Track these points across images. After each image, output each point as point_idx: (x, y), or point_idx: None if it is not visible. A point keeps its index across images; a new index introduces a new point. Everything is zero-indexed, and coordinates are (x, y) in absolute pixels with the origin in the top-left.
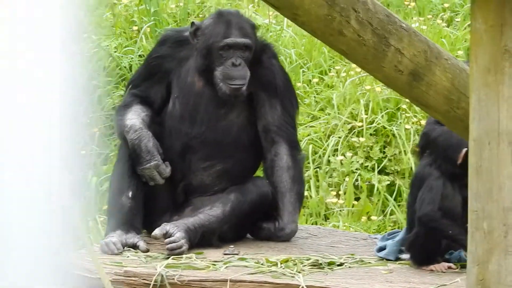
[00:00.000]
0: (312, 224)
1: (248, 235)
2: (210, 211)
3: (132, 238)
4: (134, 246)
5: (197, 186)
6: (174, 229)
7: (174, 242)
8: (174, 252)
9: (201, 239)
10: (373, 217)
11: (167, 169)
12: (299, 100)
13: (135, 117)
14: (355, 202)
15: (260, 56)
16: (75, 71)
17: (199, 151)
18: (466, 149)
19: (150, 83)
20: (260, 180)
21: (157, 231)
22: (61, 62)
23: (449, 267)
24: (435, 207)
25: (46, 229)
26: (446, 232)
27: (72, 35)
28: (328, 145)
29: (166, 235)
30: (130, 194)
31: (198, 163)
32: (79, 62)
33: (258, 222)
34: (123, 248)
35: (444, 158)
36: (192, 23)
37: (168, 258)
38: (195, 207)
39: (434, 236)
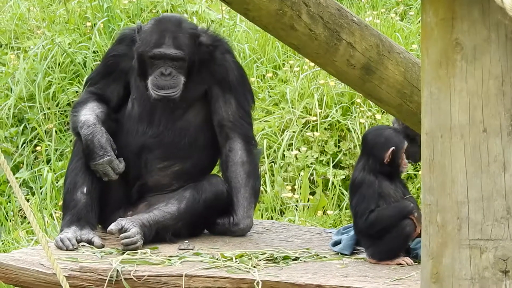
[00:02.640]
0: (267, 218)
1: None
2: (165, 208)
3: (87, 234)
4: (89, 242)
5: (152, 185)
6: (130, 225)
7: (129, 237)
8: (129, 247)
9: (155, 235)
10: (328, 212)
11: (120, 165)
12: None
13: (89, 113)
14: (311, 197)
15: (213, 52)
16: None
17: (156, 151)
18: (393, 148)
19: (107, 81)
20: (215, 178)
21: (112, 226)
22: None
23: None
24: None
25: None
26: None
27: None
28: (282, 139)
29: (121, 230)
30: (85, 189)
31: (154, 163)
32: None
33: (213, 217)
34: (78, 244)
35: (373, 157)
36: (138, 24)
37: (123, 253)
38: (149, 203)
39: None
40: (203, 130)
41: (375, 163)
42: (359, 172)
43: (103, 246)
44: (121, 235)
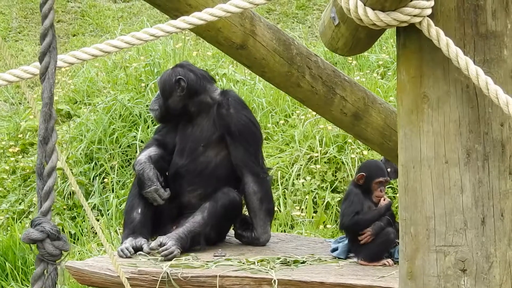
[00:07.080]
0: (281, 231)
1: (233, 240)
2: (193, 219)
3: (140, 241)
4: (141, 248)
5: (186, 204)
6: (166, 240)
7: (166, 249)
8: (168, 257)
9: (192, 242)
10: (328, 226)
11: (165, 193)
12: (268, 137)
13: (144, 154)
14: (314, 214)
15: (219, 109)
16: None
17: (185, 178)
18: (362, 173)
19: (167, 129)
20: (227, 188)
21: (152, 244)
22: None
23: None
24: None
25: None
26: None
27: None
28: (292, 171)
29: (161, 245)
30: (139, 210)
31: (184, 186)
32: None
33: (239, 230)
34: (134, 250)
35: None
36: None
37: (170, 260)
38: (186, 219)
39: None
40: (223, 166)
41: (355, 181)
42: (348, 187)
43: (149, 253)
44: (160, 249)
